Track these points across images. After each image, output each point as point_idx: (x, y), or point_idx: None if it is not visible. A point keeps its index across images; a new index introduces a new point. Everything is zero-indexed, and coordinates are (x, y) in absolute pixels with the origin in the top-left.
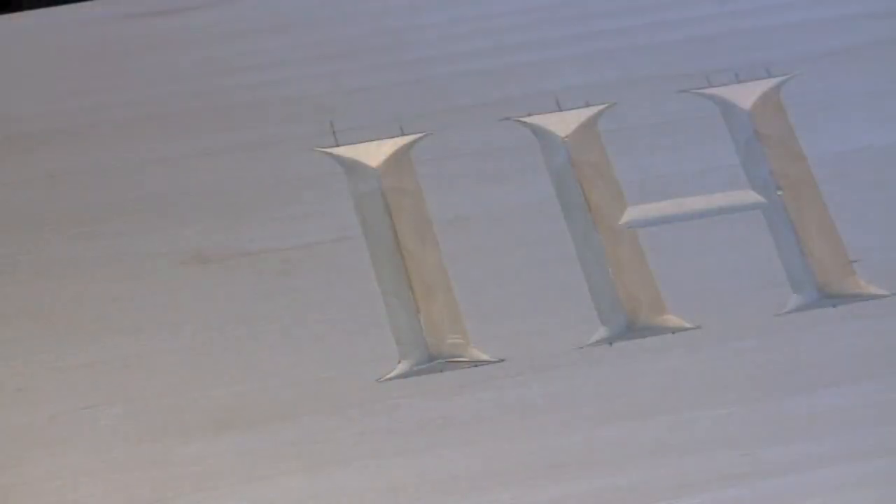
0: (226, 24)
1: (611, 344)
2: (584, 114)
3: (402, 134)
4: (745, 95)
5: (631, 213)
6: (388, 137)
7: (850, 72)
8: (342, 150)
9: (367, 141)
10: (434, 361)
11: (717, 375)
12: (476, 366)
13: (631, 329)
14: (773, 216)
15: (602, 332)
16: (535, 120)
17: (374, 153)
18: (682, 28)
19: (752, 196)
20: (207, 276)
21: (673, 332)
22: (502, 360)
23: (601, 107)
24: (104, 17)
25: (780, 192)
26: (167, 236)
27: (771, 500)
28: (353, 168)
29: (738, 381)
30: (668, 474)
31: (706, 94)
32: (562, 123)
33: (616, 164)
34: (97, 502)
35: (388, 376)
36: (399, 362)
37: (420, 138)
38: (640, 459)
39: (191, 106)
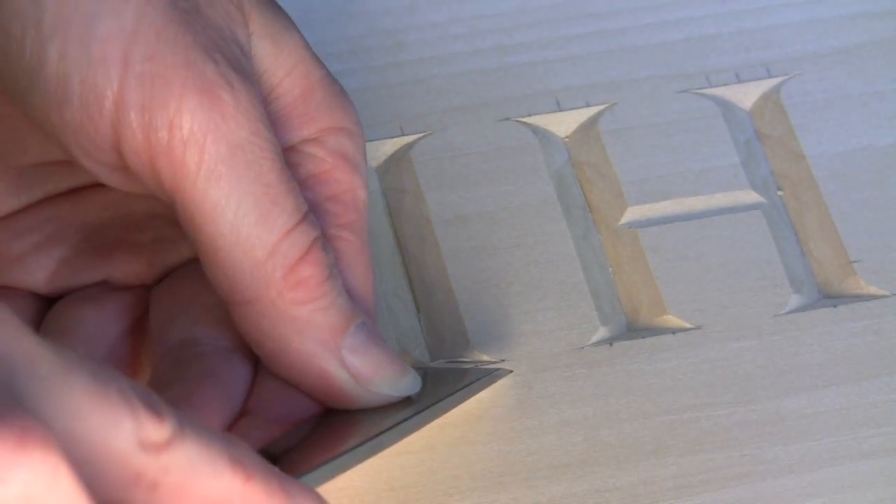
0: None
1: (611, 344)
2: (584, 114)
3: (402, 134)
4: (745, 95)
5: (631, 213)
6: (388, 137)
7: (850, 72)
8: None
9: (366, 141)
10: (434, 361)
11: (717, 375)
12: (476, 366)
13: (631, 329)
14: (773, 216)
15: (602, 332)
16: (535, 120)
17: (374, 153)
18: (682, 28)
19: (752, 196)
20: None
21: (673, 333)
22: (502, 360)
23: (601, 107)
24: None
25: (780, 192)
26: None
27: (771, 500)
28: None
29: (738, 381)
30: (668, 474)
31: (706, 94)
32: (562, 123)
33: (616, 164)
34: None
35: None
36: None
37: (420, 138)
38: (640, 459)
39: None
